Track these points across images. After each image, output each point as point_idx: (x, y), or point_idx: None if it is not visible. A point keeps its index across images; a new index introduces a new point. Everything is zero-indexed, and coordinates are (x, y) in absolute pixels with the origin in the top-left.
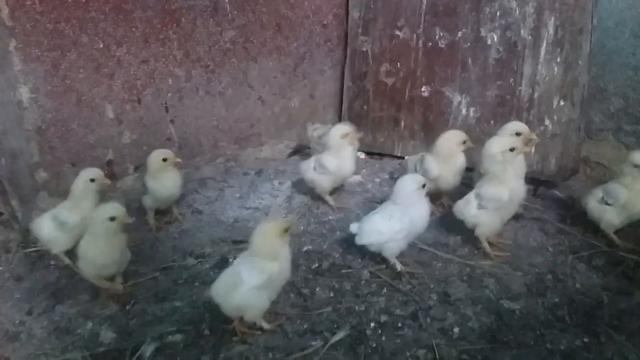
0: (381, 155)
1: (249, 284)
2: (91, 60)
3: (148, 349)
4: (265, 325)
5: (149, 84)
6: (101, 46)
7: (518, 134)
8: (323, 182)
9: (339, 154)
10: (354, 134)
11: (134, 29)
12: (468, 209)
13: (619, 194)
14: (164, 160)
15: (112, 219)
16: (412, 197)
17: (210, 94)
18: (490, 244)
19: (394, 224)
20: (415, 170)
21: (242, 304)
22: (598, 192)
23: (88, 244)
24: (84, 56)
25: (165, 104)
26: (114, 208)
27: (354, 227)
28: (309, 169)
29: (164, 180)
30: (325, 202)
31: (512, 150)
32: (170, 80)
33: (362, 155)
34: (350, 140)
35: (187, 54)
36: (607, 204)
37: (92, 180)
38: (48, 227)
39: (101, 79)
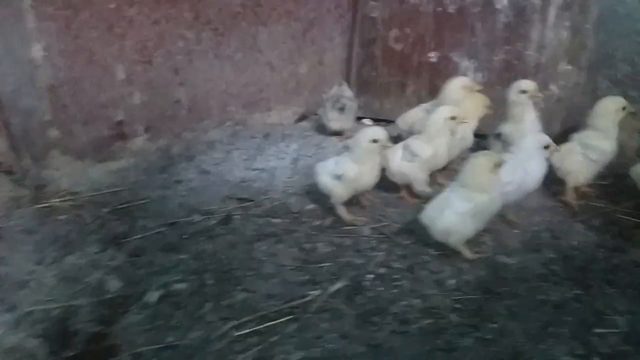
0: (387, 121)
1: (454, 209)
2: (103, 20)
3: (153, 296)
4: (468, 254)
5: (160, 45)
6: (113, 6)
7: (523, 92)
8: None
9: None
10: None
11: None
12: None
13: None
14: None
15: (375, 140)
16: (532, 152)
17: (219, 58)
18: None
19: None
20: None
21: (447, 228)
22: None
23: (352, 166)
24: (97, 15)
25: (175, 66)
26: (378, 131)
27: None
28: None
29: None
30: None
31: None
32: (180, 43)
33: (369, 122)
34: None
35: (198, 16)
36: None
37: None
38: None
39: (113, 39)
